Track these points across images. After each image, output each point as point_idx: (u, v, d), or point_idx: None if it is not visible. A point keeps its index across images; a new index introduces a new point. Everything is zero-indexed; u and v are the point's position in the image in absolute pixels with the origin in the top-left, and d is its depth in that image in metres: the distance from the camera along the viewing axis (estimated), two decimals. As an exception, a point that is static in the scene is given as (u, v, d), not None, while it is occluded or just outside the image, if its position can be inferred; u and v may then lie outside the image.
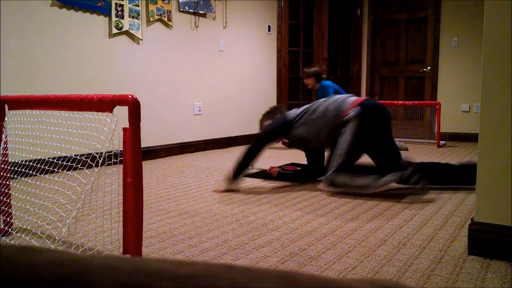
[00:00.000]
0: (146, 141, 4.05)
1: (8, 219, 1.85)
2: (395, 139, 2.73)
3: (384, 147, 2.56)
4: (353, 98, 2.66)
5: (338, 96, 2.75)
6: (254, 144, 2.71)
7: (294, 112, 2.88)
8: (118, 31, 3.74)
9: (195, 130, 4.62)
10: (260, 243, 1.73)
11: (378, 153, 2.57)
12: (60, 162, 3.29)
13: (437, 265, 1.49)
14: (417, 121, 6.06)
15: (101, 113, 3.26)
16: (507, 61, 1.48)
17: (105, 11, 3.64)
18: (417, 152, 4.55)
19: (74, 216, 2.12)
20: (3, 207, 1.84)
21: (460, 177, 2.60)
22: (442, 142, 5.28)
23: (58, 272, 0.23)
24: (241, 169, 2.66)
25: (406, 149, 4.66)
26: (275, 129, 2.81)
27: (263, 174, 3.18)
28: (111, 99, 1.40)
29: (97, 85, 3.63)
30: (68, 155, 3.36)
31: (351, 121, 2.52)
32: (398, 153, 2.60)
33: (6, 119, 1.82)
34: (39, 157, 3.18)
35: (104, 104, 1.41)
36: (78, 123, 3.39)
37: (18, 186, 2.80)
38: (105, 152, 3.49)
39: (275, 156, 4.24)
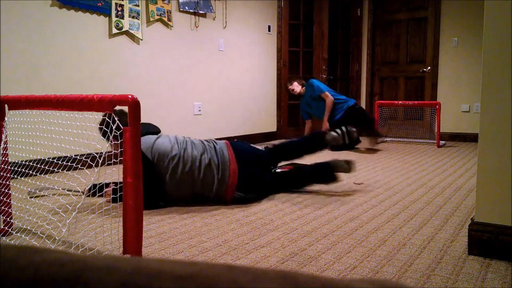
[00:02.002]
0: (146, 141, 4.05)
1: (8, 219, 1.85)
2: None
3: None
4: (227, 176, 2.27)
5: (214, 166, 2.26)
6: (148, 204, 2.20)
7: (159, 149, 2.20)
8: (118, 31, 3.74)
9: (195, 130, 4.62)
10: (260, 243, 1.73)
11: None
12: (60, 162, 3.29)
13: (437, 265, 1.49)
14: (417, 121, 6.06)
15: (101, 113, 3.26)
16: (507, 61, 1.48)
17: (105, 11, 3.64)
18: (417, 152, 4.55)
19: (74, 216, 2.12)
20: (3, 207, 1.84)
21: (316, 177, 2.57)
22: (442, 142, 5.28)
23: (58, 272, 0.23)
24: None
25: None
26: (150, 184, 2.18)
27: None
28: (111, 99, 1.40)
29: (96, 85, 3.63)
30: (68, 155, 3.36)
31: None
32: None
33: (6, 119, 1.82)
34: (39, 157, 3.18)
35: (104, 104, 1.41)
36: (78, 123, 3.39)
37: (18, 186, 2.79)
38: (105, 152, 3.49)
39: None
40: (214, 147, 2.36)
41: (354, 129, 2.52)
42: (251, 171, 2.37)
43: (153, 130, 2.43)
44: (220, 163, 2.29)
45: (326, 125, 4.64)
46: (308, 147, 2.60)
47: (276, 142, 2.63)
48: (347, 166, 2.51)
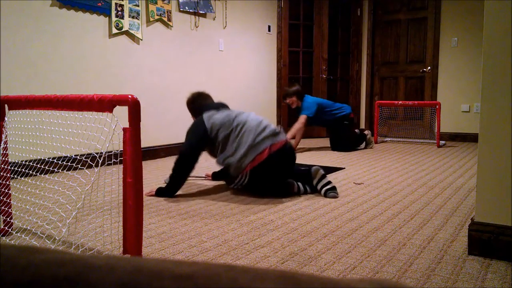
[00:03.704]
0: (146, 141, 4.05)
1: (8, 219, 1.85)
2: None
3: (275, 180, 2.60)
4: (264, 147, 2.43)
5: (252, 131, 2.47)
6: (182, 164, 2.50)
7: (215, 119, 2.55)
8: (118, 31, 3.74)
9: (195, 130, 4.61)
10: (260, 243, 1.73)
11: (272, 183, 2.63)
12: (60, 162, 3.29)
13: (437, 265, 1.49)
14: (417, 121, 6.06)
15: (101, 113, 3.26)
16: (507, 61, 1.48)
17: (105, 11, 3.64)
18: (417, 152, 4.55)
19: (74, 216, 2.13)
20: (3, 207, 1.84)
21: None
22: (442, 142, 5.28)
23: (58, 272, 0.23)
24: (176, 188, 2.55)
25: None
26: (197, 143, 2.53)
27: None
28: (111, 99, 1.40)
29: (97, 85, 3.63)
30: (68, 155, 3.36)
31: (245, 177, 2.51)
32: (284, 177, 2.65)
33: (6, 119, 1.82)
34: (39, 157, 3.18)
35: (104, 104, 1.41)
36: (78, 123, 3.40)
37: (18, 186, 2.79)
38: (105, 152, 3.49)
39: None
40: (260, 133, 2.47)
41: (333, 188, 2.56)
42: (264, 178, 2.50)
43: (217, 106, 2.70)
44: (250, 147, 2.44)
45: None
46: (299, 176, 2.66)
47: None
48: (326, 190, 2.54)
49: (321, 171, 2.56)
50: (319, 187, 2.54)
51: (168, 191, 2.54)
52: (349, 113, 4.70)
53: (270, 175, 2.50)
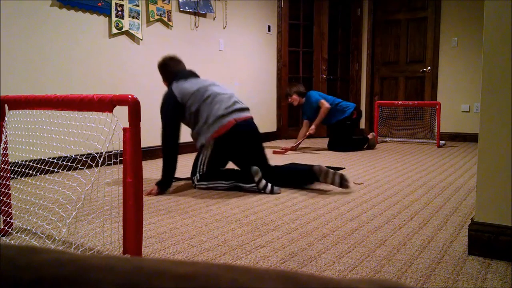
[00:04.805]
0: (146, 141, 4.05)
1: (8, 219, 1.85)
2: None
3: (242, 160, 2.79)
4: (230, 118, 2.62)
5: (223, 103, 2.67)
6: (166, 137, 2.64)
7: (185, 89, 2.69)
8: (118, 31, 3.74)
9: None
10: (260, 243, 1.73)
11: (238, 164, 2.83)
12: (60, 162, 3.29)
13: (437, 265, 1.49)
14: (417, 121, 6.06)
15: (101, 113, 3.26)
16: (507, 61, 1.48)
17: (105, 11, 3.64)
18: (417, 152, 4.55)
19: (74, 216, 2.13)
20: (3, 207, 1.84)
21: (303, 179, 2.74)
22: (442, 142, 5.28)
23: (58, 272, 0.23)
24: (172, 169, 2.65)
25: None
26: (172, 114, 2.67)
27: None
28: (111, 99, 1.40)
29: (97, 85, 3.63)
30: (68, 155, 3.36)
31: (210, 146, 2.66)
32: (257, 161, 2.79)
33: (6, 119, 1.82)
34: (39, 157, 3.18)
35: (104, 104, 1.41)
36: (78, 123, 3.39)
37: (18, 186, 2.79)
38: (105, 152, 3.49)
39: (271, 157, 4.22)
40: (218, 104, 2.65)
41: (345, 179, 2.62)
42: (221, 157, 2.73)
43: (187, 75, 2.82)
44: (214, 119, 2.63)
45: (313, 128, 4.59)
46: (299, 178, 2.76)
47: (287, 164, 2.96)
48: (337, 180, 2.61)
49: (324, 167, 2.60)
50: (329, 181, 2.60)
51: (165, 176, 2.63)
52: (351, 113, 4.70)
53: (233, 147, 2.68)
